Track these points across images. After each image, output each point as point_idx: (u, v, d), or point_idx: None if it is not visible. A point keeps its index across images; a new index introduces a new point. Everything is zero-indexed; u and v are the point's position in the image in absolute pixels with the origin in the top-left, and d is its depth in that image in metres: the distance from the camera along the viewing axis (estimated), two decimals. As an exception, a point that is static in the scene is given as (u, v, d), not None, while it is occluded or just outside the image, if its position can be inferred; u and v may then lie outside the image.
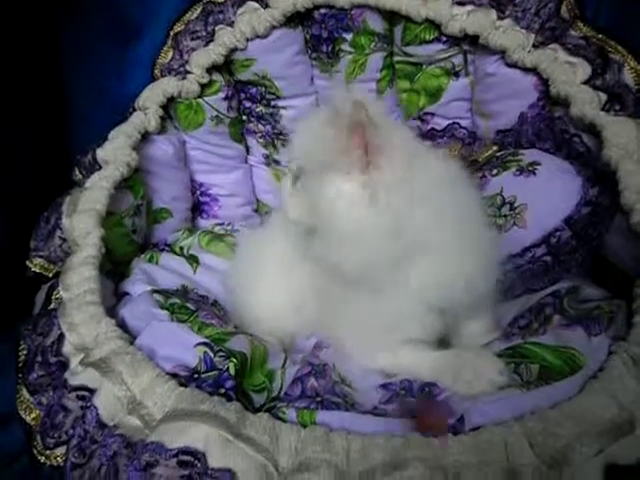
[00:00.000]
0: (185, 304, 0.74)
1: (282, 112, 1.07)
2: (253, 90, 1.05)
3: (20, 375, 0.64)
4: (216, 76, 1.00)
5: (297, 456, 0.49)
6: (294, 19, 0.98)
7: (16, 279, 0.80)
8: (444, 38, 0.92)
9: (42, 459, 0.56)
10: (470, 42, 0.91)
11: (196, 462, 0.47)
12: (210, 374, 0.58)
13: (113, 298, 0.76)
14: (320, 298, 0.70)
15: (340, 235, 0.60)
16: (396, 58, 0.99)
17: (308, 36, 1.00)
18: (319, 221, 0.62)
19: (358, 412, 0.57)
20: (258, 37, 0.97)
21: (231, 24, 0.97)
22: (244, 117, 1.10)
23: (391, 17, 0.94)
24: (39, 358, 0.64)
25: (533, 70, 0.83)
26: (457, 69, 0.95)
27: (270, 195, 1.15)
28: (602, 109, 0.75)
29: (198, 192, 1.10)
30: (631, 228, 0.63)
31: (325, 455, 0.48)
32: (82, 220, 0.75)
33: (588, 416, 0.47)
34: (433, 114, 1.01)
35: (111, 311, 0.68)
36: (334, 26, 0.96)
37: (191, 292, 0.84)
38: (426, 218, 0.60)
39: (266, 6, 0.96)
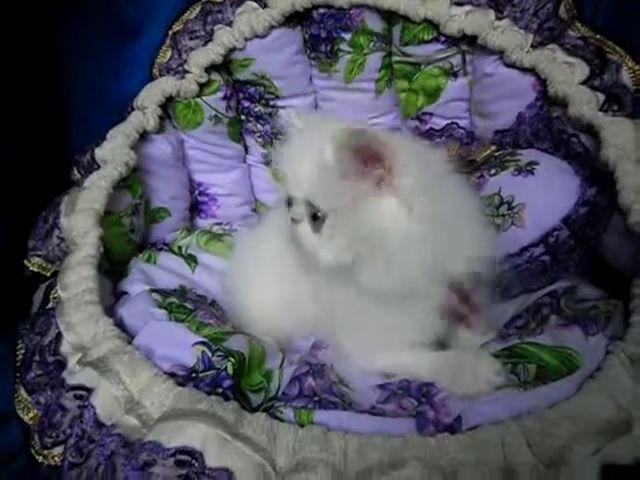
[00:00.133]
0: (183, 304, 0.74)
1: (281, 112, 1.07)
2: (252, 90, 1.05)
3: (18, 374, 0.64)
4: (215, 76, 1.00)
5: (294, 456, 0.49)
6: (293, 19, 0.98)
7: (14, 278, 0.80)
8: (442, 38, 0.92)
9: (40, 459, 0.56)
10: (468, 42, 0.91)
11: (193, 461, 0.47)
12: (208, 373, 0.58)
13: (111, 297, 0.75)
14: (317, 299, 0.70)
15: (393, 254, 0.60)
16: (395, 58, 0.99)
17: (307, 36, 1.00)
18: (365, 251, 0.61)
19: (356, 412, 0.57)
20: (257, 37, 0.97)
21: (230, 24, 0.97)
22: (243, 117, 1.10)
23: (390, 17, 0.94)
24: (37, 357, 0.63)
25: (531, 70, 0.83)
26: (455, 69, 0.95)
27: (269, 195, 1.15)
28: (600, 109, 0.75)
29: (196, 191, 1.10)
30: (628, 228, 0.63)
31: (322, 455, 0.48)
32: (80, 219, 0.74)
33: (585, 416, 0.48)
34: (431, 114, 1.01)
35: (109, 310, 0.68)
36: (333, 26, 0.96)
37: (189, 292, 0.84)
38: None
39: (265, 6, 0.96)
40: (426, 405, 0.56)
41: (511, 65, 0.85)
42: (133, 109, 0.96)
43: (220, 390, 0.57)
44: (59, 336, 0.63)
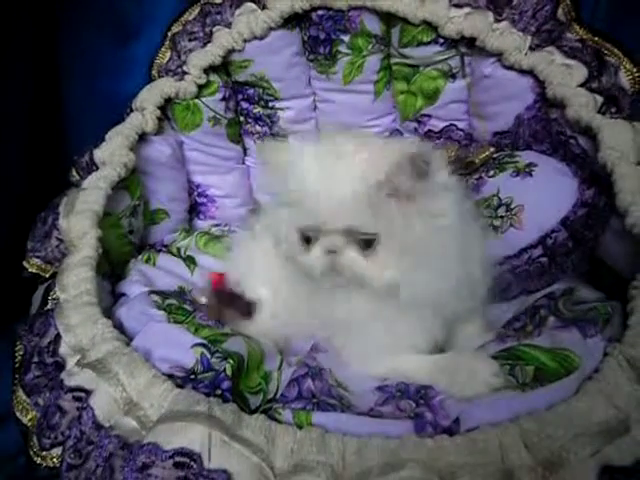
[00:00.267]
0: (182, 305, 0.74)
1: (279, 113, 1.07)
2: (250, 91, 1.05)
3: (16, 376, 0.64)
4: (213, 77, 1.00)
5: (293, 457, 0.49)
6: (291, 20, 0.98)
7: (13, 279, 0.80)
8: (441, 40, 0.92)
9: (38, 460, 0.56)
10: (467, 44, 0.92)
11: (192, 463, 0.47)
12: (207, 375, 0.58)
13: (110, 299, 0.75)
14: (313, 302, 0.69)
15: (438, 266, 0.60)
16: (393, 60, 1.00)
17: (306, 38, 1.00)
18: (413, 266, 0.60)
19: (354, 414, 0.57)
20: (255, 38, 0.97)
21: (229, 25, 0.98)
22: (241, 118, 1.10)
23: (388, 19, 0.95)
24: (35, 359, 0.63)
25: (530, 72, 0.83)
26: (454, 71, 0.95)
27: (267, 196, 1.15)
28: (598, 111, 0.75)
29: (195, 193, 1.09)
30: (626, 230, 0.63)
31: (321, 456, 0.48)
32: (79, 221, 0.74)
33: (583, 417, 0.48)
34: (430, 116, 1.02)
35: (108, 312, 0.68)
36: (331, 28, 0.97)
37: (188, 293, 0.84)
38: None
39: (264, 7, 0.96)
40: (424, 407, 0.56)
41: (510, 67, 0.85)
42: (132, 110, 0.96)
43: (219, 392, 0.57)
44: (58, 337, 0.63)
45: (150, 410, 0.53)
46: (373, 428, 0.53)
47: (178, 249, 0.95)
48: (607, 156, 0.68)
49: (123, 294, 0.78)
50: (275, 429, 0.51)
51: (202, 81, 0.98)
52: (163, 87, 0.96)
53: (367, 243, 0.60)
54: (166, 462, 0.47)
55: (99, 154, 0.85)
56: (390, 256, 0.60)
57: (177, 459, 0.47)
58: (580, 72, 0.78)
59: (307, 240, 0.62)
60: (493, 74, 0.89)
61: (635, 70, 0.76)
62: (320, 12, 0.96)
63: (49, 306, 0.68)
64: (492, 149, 0.89)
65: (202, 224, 1.09)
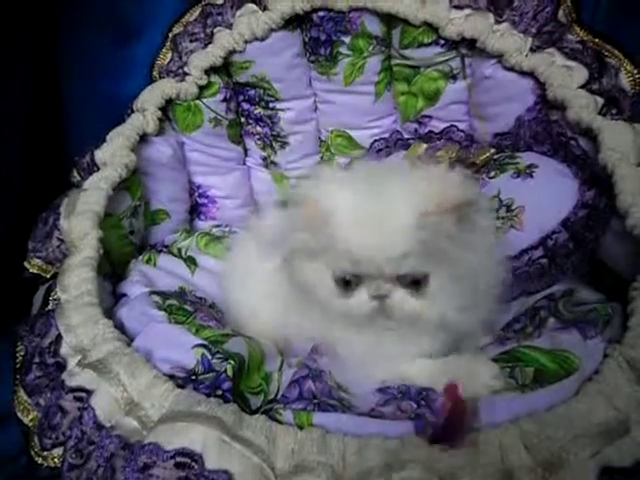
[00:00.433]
0: (183, 306, 0.74)
1: (280, 114, 1.07)
2: (251, 92, 1.05)
3: (17, 376, 0.64)
4: (214, 78, 1.01)
5: (294, 458, 0.49)
6: (292, 22, 0.98)
7: (14, 280, 0.80)
8: (442, 41, 0.92)
9: (39, 460, 0.56)
10: (468, 45, 0.92)
11: (193, 464, 0.47)
12: (207, 376, 0.58)
13: (111, 299, 0.75)
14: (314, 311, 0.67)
15: (482, 293, 0.61)
16: (394, 61, 1.00)
17: (306, 39, 1.00)
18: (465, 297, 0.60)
19: (355, 414, 0.57)
20: (257, 39, 0.97)
21: (230, 26, 0.98)
22: (242, 119, 1.10)
23: (389, 20, 0.95)
24: (36, 359, 0.64)
25: (530, 74, 0.83)
26: (455, 72, 0.96)
27: (268, 197, 1.15)
28: (599, 113, 0.75)
29: (196, 194, 1.10)
30: (626, 231, 0.63)
31: (321, 457, 0.48)
32: (80, 221, 0.75)
33: (583, 419, 0.48)
34: (431, 117, 1.02)
35: (109, 312, 0.68)
36: (332, 29, 0.97)
37: (189, 294, 0.84)
38: None
39: (265, 9, 0.96)
40: (425, 408, 0.56)
41: (510, 68, 0.86)
42: (133, 111, 0.96)
43: (220, 392, 0.56)
44: (59, 338, 0.63)
45: (151, 410, 0.53)
46: (374, 428, 0.53)
47: (179, 250, 0.95)
48: (608, 157, 0.68)
49: (124, 295, 0.78)
50: (276, 430, 0.51)
51: (203, 82, 0.98)
52: (164, 88, 0.97)
53: (415, 281, 0.58)
54: (167, 462, 0.47)
55: (100, 155, 0.85)
56: (439, 291, 0.58)
57: (178, 459, 0.47)
58: (581, 74, 0.78)
59: (346, 283, 0.60)
60: (494, 75, 0.89)
61: (636, 71, 0.76)
62: (321, 13, 0.96)
63: (50, 306, 0.68)
64: (493, 150, 0.89)
65: (203, 225, 1.10)
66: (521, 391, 0.55)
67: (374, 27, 0.96)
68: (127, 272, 0.85)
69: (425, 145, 0.98)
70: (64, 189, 0.85)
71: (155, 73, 1.00)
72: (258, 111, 1.08)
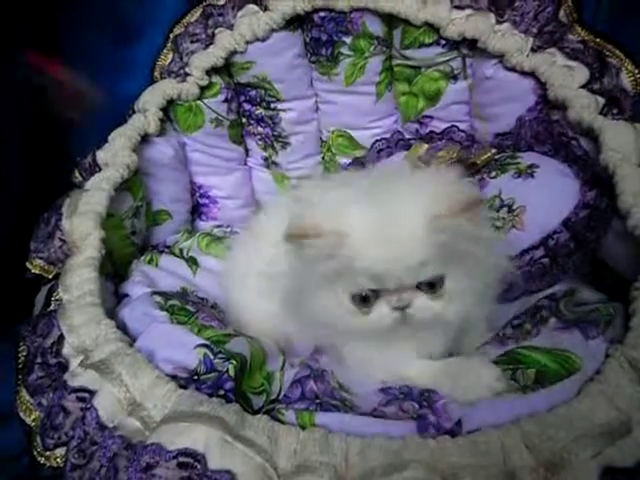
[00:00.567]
0: (185, 306, 0.74)
1: (282, 115, 1.07)
2: (253, 92, 1.05)
3: (20, 376, 0.64)
4: (216, 78, 1.01)
5: (296, 458, 0.49)
6: (294, 22, 0.98)
7: (16, 280, 0.80)
8: (443, 42, 0.92)
9: (42, 460, 0.56)
10: (469, 46, 0.92)
11: (196, 464, 0.47)
12: (210, 376, 0.58)
13: (113, 300, 0.76)
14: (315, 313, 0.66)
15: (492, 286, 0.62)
16: (395, 61, 1.00)
17: (307, 39, 1.00)
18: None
19: (357, 414, 0.57)
20: (257, 40, 0.98)
21: (231, 27, 0.98)
22: (244, 119, 1.10)
23: (390, 20, 0.95)
24: (39, 359, 0.64)
25: (531, 74, 0.84)
26: (456, 72, 0.96)
27: (269, 197, 1.15)
28: (600, 113, 0.75)
29: (197, 194, 1.10)
30: (628, 231, 0.63)
31: (324, 457, 0.49)
32: (82, 222, 0.75)
33: (585, 419, 0.48)
34: (432, 117, 1.02)
35: (111, 313, 0.68)
36: (333, 29, 0.97)
37: (191, 294, 0.85)
38: None
39: (265, 9, 0.96)
40: (427, 409, 0.56)
41: (511, 69, 0.86)
42: (134, 112, 0.96)
43: (222, 392, 0.57)
44: (61, 338, 0.63)
45: (153, 411, 0.53)
46: (376, 428, 0.53)
47: (180, 250, 0.96)
48: (609, 158, 0.68)
49: (126, 295, 0.78)
50: (278, 430, 0.51)
51: (204, 83, 0.98)
52: (165, 88, 0.97)
53: (432, 284, 0.58)
54: (170, 462, 0.47)
55: (102, 155, 0.85)
56: (455, 289, 0.59)
57: (181, 459, 0.47)
58: (582, 73, 0.78)
59: (363, 299, 0.59)
60: (495, 76, 0.89)
61: (637, 71, 0.76)
62: (322, 14, 0.96)
63: (52, 307, 0.69)
64: (494, 150, 0.89)
65: (204, 225, 1.10)
66: (522, 392, 0.55)
67: (375, 27, 0.96)
68: (129, 272, 0.85)
69: (426, 145, 0.98)
70: (65, 189, 0.85)
71: (156, 74, 1.01)
72: (259, 111, 1.08)
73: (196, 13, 1.00)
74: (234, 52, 0.99)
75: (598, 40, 0.81)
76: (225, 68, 1.02)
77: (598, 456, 0.45)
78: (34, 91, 1.07)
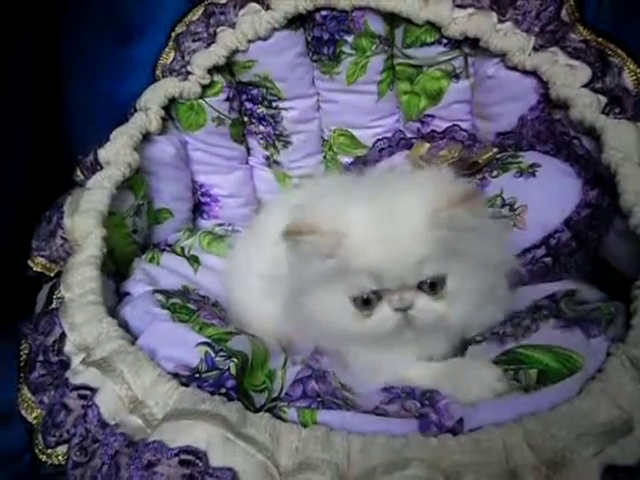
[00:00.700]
0: (186, 304, 0.74)
1: (283, 113, 1.07)
2: (254, 91, 1.05)
3: (21, 374, 0.64)
4: (217, 77, 1.01)
5: (298, 455, 0.49)
6: (295, 21, 0.98)
7: (17, 278, 0.81)
8: (445, 41, 0.92)
9: (43, 458, 0.56)
10: (470, 45, 0.92)
11: (197, 461, 0.47)
12: (211, 374, 0.58)
13: (115, 298, 0.76)
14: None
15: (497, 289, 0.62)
16: (397, 60, 1.00)
17: (309, 38, 1.00)
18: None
19: (359, 412, 0.57)
20: (259, 39, 0.98)
21: (232, 26, 0.98)
22: (245, 118, 1.10)
23: (392, 19, 0.95)
24: (40, 357, 0.64)
25: (533, 73, 0.84)
26: (457, 71, 0.95)
27: (271, 196, 1.15)
28: (602, 112, 0.75)
29: (199, 192, 1.10)
30: (629, 230, 0.63)
31: (325, 455, 0.49)
32: (84, 220, 0.75)
33: (587, 417, 0.48)
34: (433, 116, 1.02)
35: (112, 311, 0.68)
36: (335, 28, 0.97)
37: (192, 292, 0.85)
38: None
39: (267, 8, 0.96)
40: (429, 408, 0.56)
41: (513, 68, 0.86)
42: (136, 110, 0.96)
43: (223, 390, 0.57)
44: (63, 336, 0.64)
45: (155, 408, 0.53)
46: (378, 426, 0.53)
47: (182, 248, 0.96)
48: (611, 157, 0.68)
49: (127, 293, 0.78)
50: (280, 427, 0.51)
51: (206, 81, 0.98)
52: (167, 87, 0.97)
53: (433, 284, 0.58)
54: (171, 460, 0.47)
55: (103, 154, 0.85)
56: (458, 289, 0.58)
57: (182, 457, 0.47)
58: (584, 73, 0.78)
59: (364, 302, 0.59)
60: (496, 75, 0.89)
61: (639, 71, 0.76)
62: (324, 12, 0.96)
63: (54, 305, 0.69)
64: (495, 150, 0.89)
65: (206, 224, 1.10)
66: (524, 391, 0.55)
67: (377, 26, 0.96)
68: (130, 271, 0.85)
69: (428, 144, 0.98)
70: (67, 188, 0.85)
71: (158, 72, 1.00)
72: (261, 110, 1.08)
73: (198, 12, 1.00)
74: (236, 51, 0.99)
75: (600, 39, 0.80)
76: (227, 67, 1.02)
77: (600, 454, 0.45)
78: (36, 90, 1.07)
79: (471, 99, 0.98)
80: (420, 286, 0.58)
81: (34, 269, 0.78)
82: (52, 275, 0.76)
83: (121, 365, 0.57)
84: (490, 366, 0.59)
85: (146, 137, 0.93)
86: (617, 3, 0.94)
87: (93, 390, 0.56)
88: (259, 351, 0.66)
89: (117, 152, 0.85)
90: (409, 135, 1.06)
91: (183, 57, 0.99)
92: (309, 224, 0.57)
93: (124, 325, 0.66)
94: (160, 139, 0.97)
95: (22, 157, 1.05)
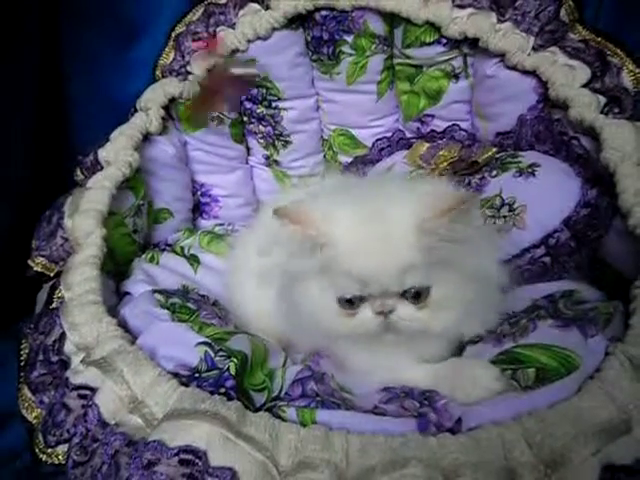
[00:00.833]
0: (186, 304, 0.74)
1: (283, 113, 1.07)
2: (254, 91, 1.06)
3: (22, 374, 0.65)
4: (217, 77, 1.01)
5: (297, 455, 0.49)
6: (295, 21, 0.98)
7: (18, 278, 0.81)
8: (444, 40, 0.92)
9: (44, 457, 0.57)
10: (470, 45, 0.92)
11: (197, 461, 0.47)
12: (211, 374, 0.59)
13: (114, 298, 0.76)
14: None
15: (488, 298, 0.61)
16: (396, 60, 1.00)
17: (309, 38, 1.01)
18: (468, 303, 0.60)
19: (358, 411, 0.57)
20: (259, 39, 0.98)
21: (232, 26, 0.98)
22: (245, 118, 1.10)
23: (392, 19, 0.95)
24: (41, 357, 0.64)
25: (532, 73, 0.84)
26: (457, 71, 0.96)
27: (271, 195, 1.16)
28: (601, 112, 0.75)
29: (199, 192, 1.10)
30: (628, 230, 0.64)
31: (324, 454, 0.49)
32: (84, 220, 0.75)
33: (585, 416, 0.48)
34: (433, 116, 1.02)
35: (112, 311, 0.69)
36: (335, 28, 0.97)
37: (192, 292, 0.85)
38: None
39: (267, 8, 0.96)
40: (428, 407, 0.56)
41: (512, 67, 0.86)
42: (136, 110, 0.96)
43: (223, 390, 0.57)
44: (63, 336, 0.64)
45: (155, 408, 0.53)
46: (377, 426, 0.53)
47: (182, 248, 0.96)
48: (610, 156, 0.68)
49: (127, 293, 0.78)
50: (279, 427, 0.51)
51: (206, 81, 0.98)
52: (167, 87, 0.97)
53: (418, 293, 0.58)
54: (171, 459, 0.47)
55: (104, 154, 0.86)
56: (442, 300, 0.58)
57: (182, 456, 0.47)
58: (583, 73, 0.78)
59: (348, 302, 0.59)
60: (496, 74, 0.89)
61: (638, 71, 0.76)
62: (323, 12, 0.97)
63: (54, 305, 0.69)
64: (495, 149, 0.89)
65: (206, 223, 1.10)
66: (522, 390, 0.55)
67: (377, 26, 0.96)
68: (130, 271, 0.85)
69: (427, 144, 0.98)
70: (67, 188, 0.86)
71: (158, 72, 1.01)
72: (261, 110, 1.08)
73: (198, 12, 1.00)
74: (235, 51, 0.99)
75: (599, 39, 0.81)
76: (227, 67, 1.02)
77: (598, 453, 0.45)
78: (37, 90, 1.07)
79: (470, 99, 0.98)
80: (404, 294, 0.58)
81: (34, 269, 0.78)
82: (52, 275, 0.77)
83: (121, 365, 0.57)
84: (488, 366, 0.60)
85: (146, 137, 0.93)
86: (617, 3, 0.94)
87: (93, 390, 0.56)
88: (259, 350, 0.66)
89: (117, 152, 0.86)
90: (409, 135, 1.06)
91: (183, 57, 1.00)
92: (297, 213, 0.58)
93: (124, 325, 0.66)
94: (160, 139, 0.97)
95: (22, 157, 1.05)
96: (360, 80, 1.02)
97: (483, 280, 0.60)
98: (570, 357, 0.56)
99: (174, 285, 0.85)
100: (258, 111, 1.08)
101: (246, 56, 1.00)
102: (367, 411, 0.57)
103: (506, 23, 0.85)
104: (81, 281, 0.68)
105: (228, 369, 0.59)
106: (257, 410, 0.57)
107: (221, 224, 1.08)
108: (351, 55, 0.99)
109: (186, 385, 0.56)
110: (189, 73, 0.98)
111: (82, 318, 0.64)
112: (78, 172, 0.90)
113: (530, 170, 0.79)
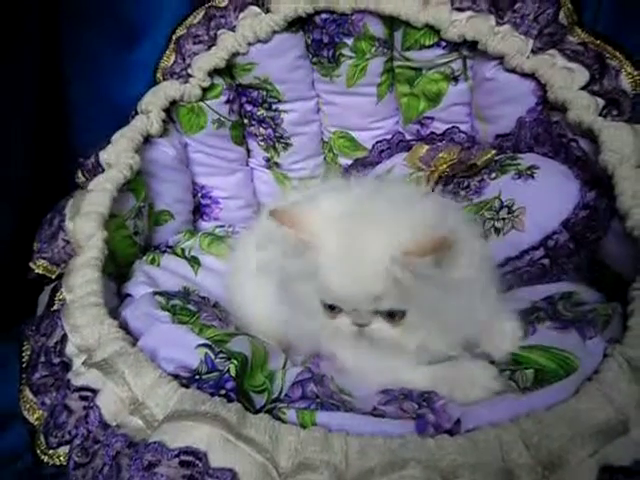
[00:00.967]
0: (186, 306, 0.75)
1: (283, 116, 1.08)
2: (254, 93, 1.06)
3: (23, 375, 0.65)
4: (218, 80, 1.01)
5: (297, 456, 0.49)
6: (295, 24, 0.98)
7: (19, 280, 0.81)
8: (443, 43, 0.92)
9: (45, 458, 0.57)
10: (469, 47, 0.92)
11: (197, 462, 0.47)
12: (211, 375, 0.59)
13: (116, 300, 0.76)
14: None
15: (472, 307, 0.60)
16: (396, 63, 1.00)
17: (309, 41, 1.01)
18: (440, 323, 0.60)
19: (357, 413, 0.57)
20: (260, 41, 0.98)
21: (233, 28, 0.98)
22: (245, 120, 1.11)
23: (391, 22, 0.95)
24: (42, 359, 0.64)
25: (531, 75, 0.84)
26: (456, 74, 0.96)
27: (271, 197, 1.16)
28: (599, 114, 0.75)
29: (199, 194, 1.10)
30: (627, 232, 0.64)
31: (324, 455, 0.49)
32: (85, 222, 0.75)
33: (583, 418, 0.48)
34: (432, 118, 1.02)
35: (114, 313, 0.69)
36: (335, 31, 0.97)
37: (192, 294, 0.85)
38: None
39: (267, 11, 0.97)
40: (426, 409, 0.56)
41: (511, 70, 0.86)
42: (137, 113, 0.96)
43: (223, 392, 0.57)
44: (64, 338, 0.64)
45: (156, 409, 0.54)
46: (376, 427, 0.53)
47: (182, 250, 0.96)
48: (608, 159, 0.69)
49: (128, 295, 0.79)
50: (279, 428, 0.51)
51: (206, 84, 0.99)
52: (168, 90, 0.97)
53: (392, 314, 0.58)
54: (172, 461, 0.47)
55: (105, 156, 0.86)
56: (417, 321, 0.58)
57: (183, 458, 0.47)
58: (581, 75, 0.79)
59: (330, 306, 0.60)
60: (495, 77, 0.89)
61: (636, 73, 0.77)
62: (323, 15, 0.97)
63: (56, 307, 0.69)
64: (494, 151, 0.90)
65: (206, 225, 1.10)
66: (521, 391, 0.55)
67: (377, 29, 0.96)
68: (131, 272, 0.85)
69: (427, 146, 0.98)
70: (68, 190, 0.86)
71: (158, 75, 1.01)
72: (261, 112, 1.08)
73: (198, 15, 1.01)
74: (236, 53, 0.99)
75: (598, 42, 0.81)
76: (227, 69, 1.02)
77: (596, 455, 0.45)
78: (37, 93, 1.07)
79: (470, 101, 0.98)
80: (378, 312, 0.58)
81: (36, 271, 0.78)
82: (54, 277, 0.77)
83: (122, 366, 0.57)
84: (486, 366, 0.60)
85: (147, 139, 0.94)
86: (616, 5, 0.94)
87: (94, 391, 0.56)
88: (259, 352, 0.67)
89: (118, 154, 0.86)
90: (408, 137, 1.07)
91: (184, 60, 1.00)
92: (291, 215, 0.59)
93: (125, 327, 0.66)
94: (161, 141, 0.97)
95: (23, 159, 1.06)
96: (360, 83, 1.02)
97: (467, 295, 0.59)
98: (569, 359, 0.56)
99: (175, 287, 0.85)
100: (258, 113, 1.08)
101: (246, 59, 1.00)
102: (366, 413, 0.57)
103: (505, 26, 0.85)
104: (82, 283, 0.68)
105: (228, 371, 0.59)
106: (257, 412, 0.57)
107: (221, 226, 1.08)
108: (351, 58, 1.00)
109: (186, 387, 0.56)
110: (190, 76, 0.98)
111: (83, 320, 0.64)
112: (79, 174, 0.90)
113: (529, 172, 0.80)
